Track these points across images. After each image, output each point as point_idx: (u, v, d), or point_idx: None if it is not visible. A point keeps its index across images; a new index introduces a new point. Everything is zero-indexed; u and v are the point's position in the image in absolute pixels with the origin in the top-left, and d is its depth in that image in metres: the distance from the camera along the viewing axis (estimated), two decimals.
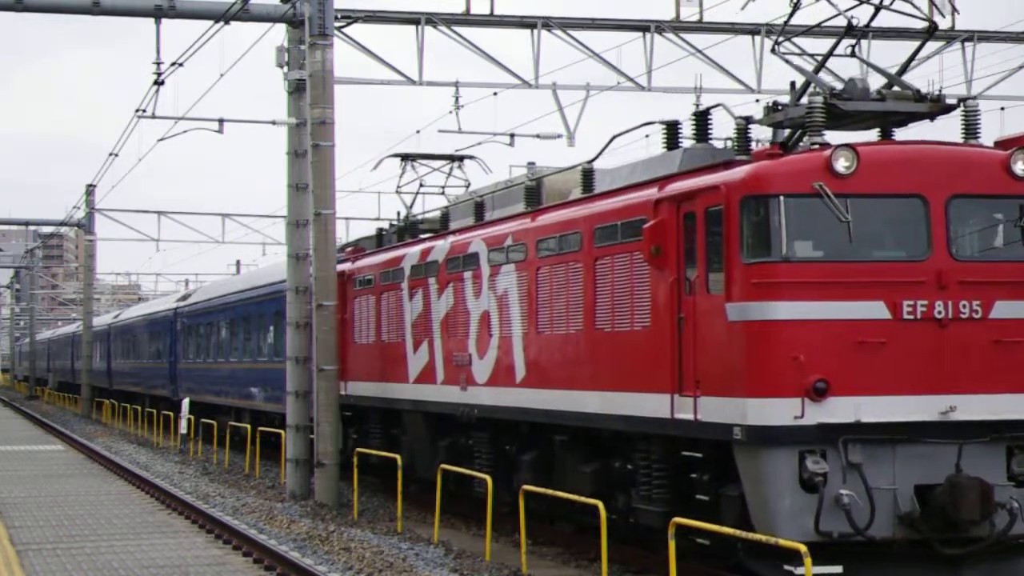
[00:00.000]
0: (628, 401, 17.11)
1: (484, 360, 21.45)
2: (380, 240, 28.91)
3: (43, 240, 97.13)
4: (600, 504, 16.85)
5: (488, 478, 20.11)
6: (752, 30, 31.81)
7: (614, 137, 20.26)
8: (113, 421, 59.22)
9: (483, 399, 21.57)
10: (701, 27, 31.38)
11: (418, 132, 36.50)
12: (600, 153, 20.25)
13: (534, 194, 21.74)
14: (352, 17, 29.95)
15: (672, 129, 18.19)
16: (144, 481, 29.71)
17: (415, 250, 24.74)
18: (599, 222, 17.98)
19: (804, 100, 16.07)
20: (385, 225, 30.38)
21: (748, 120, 16.62)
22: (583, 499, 17.74)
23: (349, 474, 29.34)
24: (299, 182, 26.69)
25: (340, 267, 28.58)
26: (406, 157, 29.00)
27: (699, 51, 31.71)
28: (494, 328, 21.09)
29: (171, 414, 46.04)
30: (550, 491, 18.71)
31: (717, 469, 15.74)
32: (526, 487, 19.26)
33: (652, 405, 16.50)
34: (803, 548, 13.05)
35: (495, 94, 33.09)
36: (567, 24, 31.52)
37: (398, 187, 28.97)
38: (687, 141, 17.81)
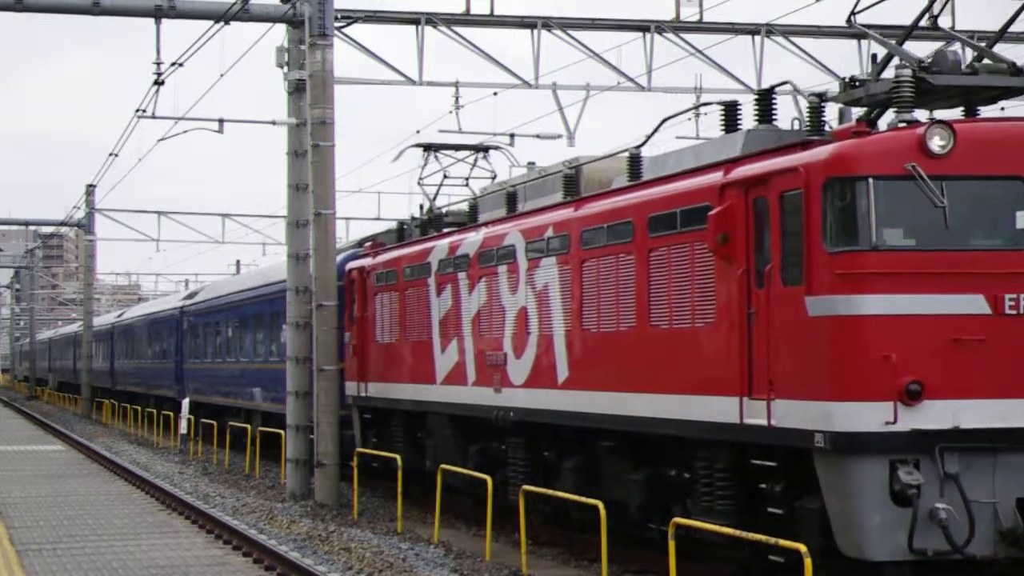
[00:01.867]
0: (688, 405, 15.69)
1: (521, 360, 20.04)
2: (401, 234, 27.52)
3: (43, 240, 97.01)
4: (600, 504, 16.16)
5: (488, 478, 19.60)
6: (752, 30, 31.56)
7: (664, 120, 19.03)
8: (113, 421, 58.98)
9: (520, 401, 20.15)
10: (701, 27, 31.27)
11: (418, 132, 35.78)
12: (648, 138, 18.94)
13: (573, 183, 20.35)
14: (352, 17, 29.77)
15: (731, 110, 16.78)
16: (144, 481, 29.55)
17: (443, 244, 23.32)
18: (654, 210, 16.55)
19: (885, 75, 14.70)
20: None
21: (822, 97, 15.20)
22: (582, 499, 16.94)
23: (368, 479, 28.16)
24: (299, 182, 26.53)
25: (359, 263, 27.41)
26: (429, 147, 27.69)
27: (699, 51, 31.49)
28: (532, 325, 19.68)
29: (172, 414, 45.88)
30: (550, 491, 18.29)
31: (792, 479, 14.33)
32: (526, 487, 18.68)
33: (717, 409, 15.07)
34: (803, 548, 12.34)
35: (495, 94, 33.16)
36: (567, 24, 31.41)
37: (420, 179, 27.64)
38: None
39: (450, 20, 30.49)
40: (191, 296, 50.52)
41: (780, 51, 31.87)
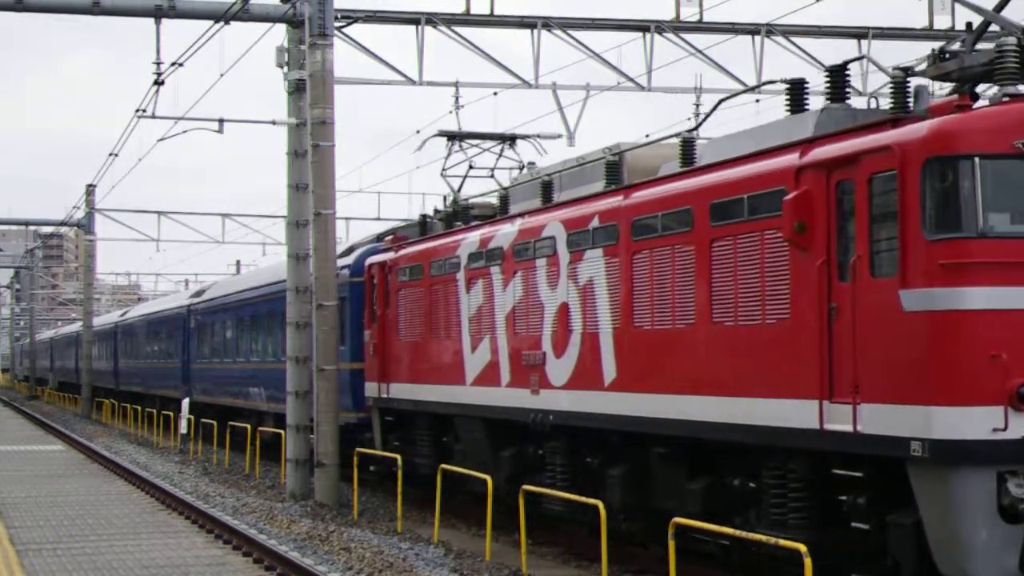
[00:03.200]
0: (758, 409, 14.32)
1: (562, 360, 18.68)
2: (424, 228, 26.18)
3: (43, 240, 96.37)
4: (600, 504, 15.72)
5: (488, 478, 19.30)
6: (752, 30, 31.35)
7: (721, 101, 17.72)
8: (113, 421, 58.53)
9: (560, 404, 18.79)
10: (701, 27, 31.10)
11: (418, 132, 34.90)
12: (703, 120, 17.62)
13: (616, 170, 19.00)
14: (352, 17, 29.61)
15: (798, 89, 15.43)
16: (144, 481, 29.45)
17: (473, 236, 21.96)
18: (717, 196, 15.19)
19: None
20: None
21: (907, 71, 13.84)
22: (581, 499, 16.25)
23: (387, 485, 26.92)
24: (299, 182, 26.48)
25: (381, 257, 26.19)
26: (453, 137, 26.41)
27: (699, 51, 31.27)
28: (575, 323, 18.32)
29: (172, 414, 45.52)
30: (548, 491, 18.09)
31: (878, 491, 12.97)
32: (526, 487, 18.26)
33: (792, 413, 13.71)
34: (803, 548, 11.75)
35: (495, 94, 33.07)
36: (567, 24, 31.24)
37: (443, 169, 26.38)
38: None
39: (450, 20, 30.37)
40: (198, 294, 49.07)
41: (780, 51, 31.62)
